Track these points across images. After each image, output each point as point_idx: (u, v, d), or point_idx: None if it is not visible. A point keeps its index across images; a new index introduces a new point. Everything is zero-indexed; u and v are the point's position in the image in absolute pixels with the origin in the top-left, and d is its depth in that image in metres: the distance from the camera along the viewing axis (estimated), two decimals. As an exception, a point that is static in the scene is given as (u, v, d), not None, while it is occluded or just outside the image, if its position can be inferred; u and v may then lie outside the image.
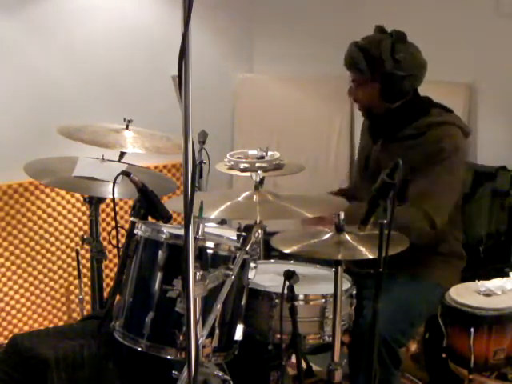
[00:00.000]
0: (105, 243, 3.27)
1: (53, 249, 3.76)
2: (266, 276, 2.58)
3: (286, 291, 2.35)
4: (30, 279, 3.72)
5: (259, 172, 2.56)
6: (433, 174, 2.69)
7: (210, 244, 2.22)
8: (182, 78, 1.64)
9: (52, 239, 3.75)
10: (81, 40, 3.75)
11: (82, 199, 3.42)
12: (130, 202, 3.57)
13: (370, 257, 2.27)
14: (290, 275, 2.35)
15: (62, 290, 3.82)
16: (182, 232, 1.75)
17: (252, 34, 4.36)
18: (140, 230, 2.35)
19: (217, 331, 2.22)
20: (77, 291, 3.75)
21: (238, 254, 2.22)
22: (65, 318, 3.85)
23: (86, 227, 3.68)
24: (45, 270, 3.75)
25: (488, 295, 2.57)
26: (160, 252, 2.27)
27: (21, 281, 3.69)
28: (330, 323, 2.40)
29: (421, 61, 2.77)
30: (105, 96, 3.84)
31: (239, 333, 2.35)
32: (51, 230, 3.74)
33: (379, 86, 2.75)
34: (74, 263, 3.70)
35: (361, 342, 2.52)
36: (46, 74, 3.68)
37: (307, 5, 4.19)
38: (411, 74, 2.74)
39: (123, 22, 3.88)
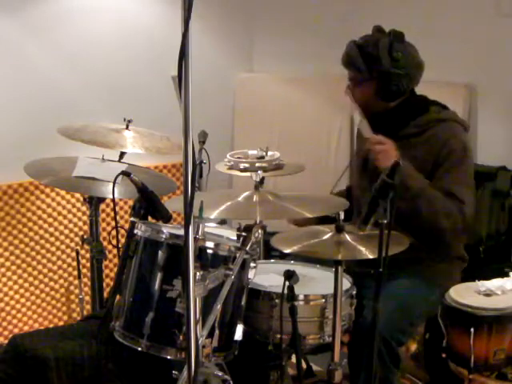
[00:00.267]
0: (105, 243, 3.27)
1: (53, 249, 3.76)
2: (266, 276, 2.58)
3: (286, 291, 2.36)
4: (30, 279, 3.72)
5: (259, 172, 2.56)
6: (456, 176, 2.70)
7: (209, 244, 2.22)
8: (181, 78, 1.64)
9: (52, 239, 3.75)
10: (81, 40, 3.75)
11: (82, 199, 3.41)
12: (130, 202, 3.57)
13: (370, 257, 2.27)
14: (290, 275, 2.35)
15: (62, 290, 3.82)
16: (181, 232, 1.75)
17: (252, 34, 4.36)
18: (140, 230, 2.35)
19: (217, 331, 2.22)
20: (77, 291, 3.75)
21: (238, 254, 2.22)
22: (65, 317, 3.85)
23: (85, 227, 3.68)
24: (45, 270, 3.75)
25: (488, 295, 2.58)
26: (160, 252, 2.27)
27: (21, 281, 3.69)
28: (330, 323, 2.40)
29: (418, 60, 2.78)
30: (105, 96, 3.84)
31: (239, 333, 2.35)
32: (51, 230, 3.74)
33: (376, 84, 2.75)
34: (74, 263, 3.70)
35: (361, 342, 2.52)
36: (46, 74, 3.68)
37: (307, 4, 4.19)
38: (408, 73, 2.74)
39: (123, 22, 3.88)
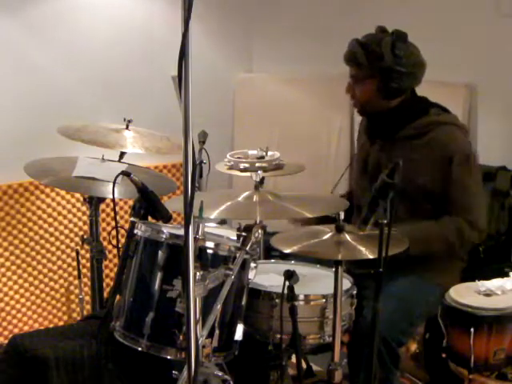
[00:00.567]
0: (105, 243, 3.27)
1: (53, 249, 3.76)
2: (266, 276, 2.58)
3: (286, 291, 2.36)
4: (30, 279, 3.72)
5: (259, 172, 2.56)
6: (459, 182, 2.71)
7: (209, 244, 2.22)
8: (181, 78, 1.64)
9: (52, 239, 3.75)
10: (81, 40, 3.75)
11: (82, 199, 3.41)
12: (130, 202, 3.57)
13: (370, 257, 2.27)
14: (290, 275, 2.35)
15: (62, 290, 3.82)
16: (181, 232, 1.75)
17: (251, 34, 4.36)
18: (140, 230, 2.35)
19: (217, 331, 2.21)
20: (77, 291, 3.75)
21: (238, 254, 2.22)
22: (65, 317, 3.85)
23: (85, 227, 3.68)
24: (45, 270, 3.75)
25: (488, 295, 2.58)
26: (160, 252, 2.28)
27: (21, 281, 3.69)
28: (330, 323, 2.40)
29: (420, 60, 2.78)
30: (105, 96, 3.84)
31: (239, 333, 2.35)
32: (51, 230, 3.74)
33: (377, 81, 2.75)
34: (74, 263, 3.70)
35: (360, 342, 2.52)
36: (46, 74, 3.68)
37: (307, 5, 4.19)
38: (410, 72, 2.74)
39: (123, 22, 3.88)
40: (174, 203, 2.60)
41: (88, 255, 3.46)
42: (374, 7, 3.87)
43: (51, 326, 3.76)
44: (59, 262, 3.78)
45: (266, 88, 4.31)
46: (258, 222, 2.28)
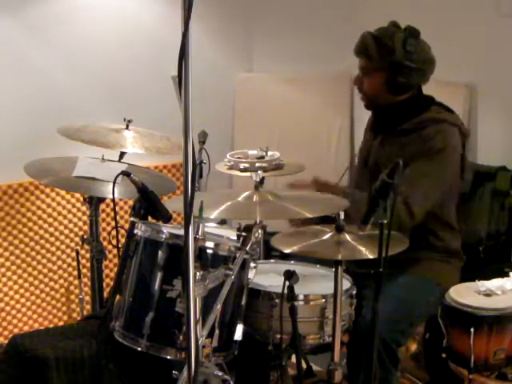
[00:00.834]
0: (105, 243, 3.26)
1: (53, 249, 3.76)
2: (266, 276, 2.58)
3: (286, 291, 2.36)
4: (30, 279, 3.72)
5: (259, 172, 2.56)
6: (418, 167, 2.69)
7: (209, 244, 2.22)
8: (181, 78, 1.64)
9: (52, 239, 3.75)
10: (81, 40, 3.75)
11: (82, 199, 3.41)
12: (130, 202, 3.56)
13: (370, 257, 2.27)
14: (290, 275, 2.35)
15: (62, 290, 3.82)
16: (181, 232, 1.75)
17: (252, 34, 4.36)
18: (140, 230, 2.35)
19: (217, 331, 2.21)
20: (77, 291, 3.75)
21: (238, 254, 2.22)
22: (65, 317, 3.85)
23: (85, 227, 3.68)
24: (45, 270, 3.75)
25: (488, 295, 2.58)
26: (160, 252, 2.27)
27: (21, 281, 3.69)
28: (330, 323, 2.40)
29: (430, 57, 2.79)
30: (105, 96, 3.84)
31: (239, 333, 2.35)
32: (51, 230, 3.74)
33: (386, 75, 2.76)
34: (74, 263, 3.70)
35: (360, 342, 2.52)
36: (46, 74, 3.68)
37: (307, 4, 4.19)
38: (419, 68, 2.75)
39: (123, 22, 3.87)
40: (173, 203, 2.60)
41: (88, 255, 3.45)
42: (375, 8, 3.88)
43: (51, 326, 3.76)
44: (59, 262, 3.78)
45: (266, 88, 4.31)
46: (257, 222, 2.28)
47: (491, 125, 3.57)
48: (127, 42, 3.89)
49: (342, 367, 2.40)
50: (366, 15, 3.82)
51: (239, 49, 4.37)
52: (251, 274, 2.33)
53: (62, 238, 3.77)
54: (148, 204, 2.45)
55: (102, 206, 3.35)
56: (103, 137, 3.11)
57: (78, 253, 3.54)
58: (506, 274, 2.72)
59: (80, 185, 3.06)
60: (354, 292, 2.54)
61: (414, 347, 3.00)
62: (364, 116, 3.07)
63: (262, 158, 2.90)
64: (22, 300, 3.71)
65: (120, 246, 2.58)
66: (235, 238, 2.35)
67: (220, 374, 2.11)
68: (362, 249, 2.33)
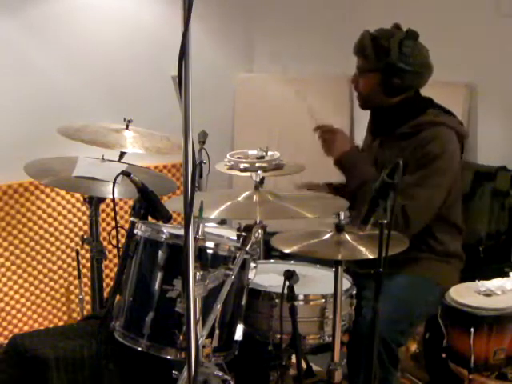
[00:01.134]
0: (105, 243, 3.26)
1: (53, 249, 3.76)
2: (266, 276, 2.58)
3: (286, 291, 2.36)
4: (30, 279, 3.72)
5: (259, 172, 2.56)
6: (418, 176, 2.69)
7: (209, 244, 2.22)
8: (182, 78, 1.64)
9: (52, 239, 3.75)
10: (81, 40, 3.74)
11: (82, 199, 3.41)
12: (130, 202, 3.56)
13: (370, 257, 2.27)
14: (290, 275, 2.35)
15: (62, 290, 3.82)
16: (181, 232, 1.75)
17: (252, 34, 4.36)
18: (140, 230, 2.35)
19: (217, 331, 2.22)
20: (77, 291, 3.75)
21: (238, 254, 2.22)
22: (65, 317, 3.85)
23: (85, 227, 3.68)
24: (45, 270, 3.75)
25: (488, 295, 2.58)
26: (160, 252, 2.28)
27: (21, 281, 3.69)
28: (330, 323, 2.40)
29: (427, 61, 2.79)
30: (105, 96, 3.84)
31: (239, 333, 2.35)
32: (51, 230, 3.74)
33: (380, 76, 2.76)
34: (74, 263, 3.70)
35: (360, 342, 2.52)
36: (46, 74, 3.68)
37: (307, 4, 4.19)
38: (415, 71, 2.74)
39: (123, 22, 3.87)
40: (173, 203, 2.60)
41: (88, 255, 3.45)
42: (375, 8, 3.87)
43: (51, 326, 3.76)
44: (59, 262, 3.78)
45: (266, 88, 4.31)
46: (257, 222, 2.28)
47: (491, 125, 3.57)
48: (127, 42, 3.89)
49: (341, 367, 2.40)
50: (366, 15, 3.82)
51: (239, 49, 4.37)
52: (251, 274, 2.33)
53: (62, 237, 3.77)
54: (148, 204, 2.45)
55: (102, 206, 3.35)
56: (103, 137, 3.11)
57: (78, 253, 3.53)
58: (506, 274, 2.72)
59: (80, 185, 3.06)
60: (354, 292, 2.54)
61: (413, 347, 3.00)
62: (364, 116, 3.07)
63: (262, 157, 2.90)
64: (22, 300, 3.71)
65: (120, 245, 2.58)
66: (235, 237, 2.35)
67: (220, 373, 2.11)
68: (362, 249, 2.33)
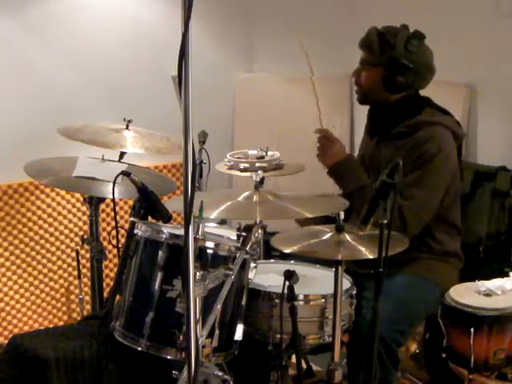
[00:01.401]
0: (105, 243, 3.26)
1: (53, 249, 3.76)
2: (266, 276, 2.58)
3: (286, 291, 2.36)
4: (30, 279, 3.72)
5: (259, 172, 2.56)
6: (415, 176, 2.69)
7: (209, 244, 2.22)
8: (182, 78, 1.64)
9: (52, 239, 3.75)
10: (81, 40, 3.74)
11: (82, 199, 3.41)
12: (130, 202, 3.56)
13: (370, 257, 2.27)
14: (290, 275, 2.35)
15: (62, 290, 3.82)
16: (181, 232, 1.75)
17: (252, 34, 4.36)
18: (140, 230, 2.35)
19: (217, 331, 2.22)
20: (77, 291, 3.75)
21: (238, 254, 2.22)
22: (65, 317, 3.85)
23: (85, 227, 3.68)
24: (45, 270, 3.75)
25: (488, 295, 2.58)
26: (160, 252, 2.28)
27: (21, 281, 3.69)
28: (330, 323, 2.40)
29: (430, 63, 2.81)
30: (105, 96, 3.84)
31: (239, 333, 2.35)
32: (51, 230, 3.74)
33: (383, 71, 2.77)
34: (74, 263, 3.70)
35: (360, 342, 2.52)
36: (46, 74, 3.68)
37: (307, 4, 4.18)
38: (417, 70, 2.76)
39: (123, 22, 3.87)
40: (173, 203, 2.60)
41: (88, 255, 3.45)
42: (375, 8, 3.87)
43: (51, 326, 3.76)
44: (59, 262, 3.78)
45: (266, 88, 4.31)
46: (258, 222, 2.28)
47: (491, 125, 3.57)
48: (127, 42, 3.89)
49: (341, 367, 2.40)
50: (366, 15, 3.82)
51: (239, 49, 4.37)
52: (251, 274, 2.33)
53: (62, 237, 3.77)
54: (148, 204, 2.45)
55: (102, 206, 3.35)
56: (103, 137, 3.11)
57: (78, 253, 3.53)
58: (506, 274, 2.72)
59: (80, 185, 3.06)
60: (354, 292, 2.54)
61: (413, 347, 3.00)
62: (364, 116, 3.07)
63: (262, 157, 2.90)
64: (22, 300, 3.71)
65: (120, 245, 2.58)
66: (235, 237, 2.35)
67: (220, 373, 2.11)
68: (362, 249, 2.32)
